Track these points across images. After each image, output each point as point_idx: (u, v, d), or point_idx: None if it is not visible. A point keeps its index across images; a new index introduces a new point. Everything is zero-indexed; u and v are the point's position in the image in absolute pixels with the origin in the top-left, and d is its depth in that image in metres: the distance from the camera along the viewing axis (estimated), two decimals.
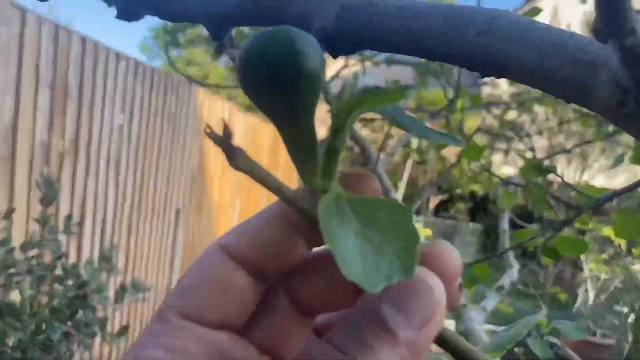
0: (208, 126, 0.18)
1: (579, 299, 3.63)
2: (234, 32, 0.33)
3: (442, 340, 0.19)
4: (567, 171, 5.21)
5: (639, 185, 0.65)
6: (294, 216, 0.20)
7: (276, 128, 0.20)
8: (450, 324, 1.46)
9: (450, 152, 2.66)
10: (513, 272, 1.35)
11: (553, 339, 3.72)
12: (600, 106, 0.17)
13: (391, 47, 0.21)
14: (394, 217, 0.17)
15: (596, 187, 0.75)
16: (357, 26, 0.21)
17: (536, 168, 0.75)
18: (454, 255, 0.19)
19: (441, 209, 8.43)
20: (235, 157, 0.18)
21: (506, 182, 0.96)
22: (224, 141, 0.18)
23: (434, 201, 8.22)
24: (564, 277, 4.76)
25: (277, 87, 0.18)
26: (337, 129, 0.18)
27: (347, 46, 0.22)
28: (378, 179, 1.51)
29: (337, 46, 0.22)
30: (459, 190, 7.72)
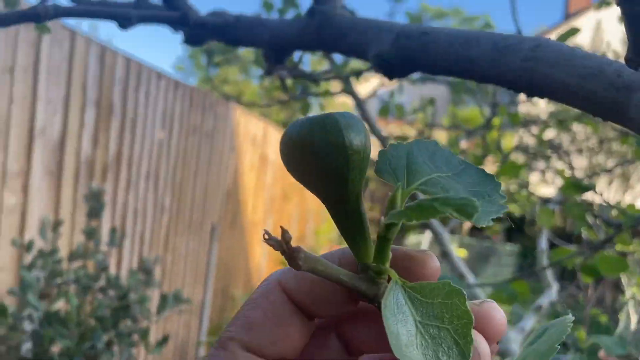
0: (266, 232, 0.19)
1: (621, 324, 3.51)
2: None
3: None
4: (608, 192, 5.08)
5: None
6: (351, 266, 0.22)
7: (327, 210, 0.21)
8: None
9: (487, 170, 2.64)
10: (552, 292, 1.33)
11: None
12: (634, 124, 0.19)
13: (443, 71, 0.23)
14: (449, 301, 0.19)
15: (636, 206, 0.75)
16: (411, 52, 0.24)
17: (576, 186, 0.75)
18: (499, 316, 0.21)
19: (476, 229, 8.29)
20: (296, 260, 0.20)
21: (545, 200, 0.96)
22: (284, 247, 0.20)
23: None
24: (604, 300, 4.62)
25: (326, 177, 0.20)
26: (391, 226, 0.20)
27: (403, 70, 0.24)
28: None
29: (393, 70, 0.25)
30: None
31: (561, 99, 0.21)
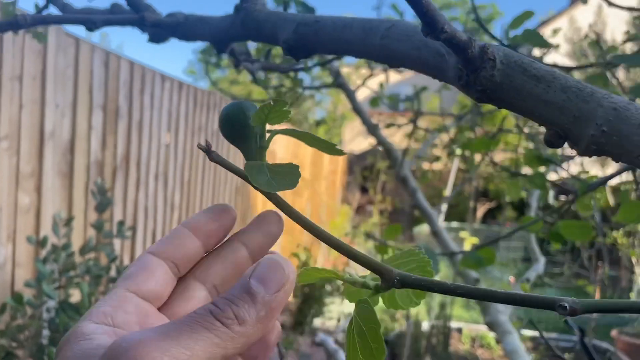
0: (199, 145, 0.30)
1: None
2: (237, 49, 0.42)
3: (351, 255, 0.28)
4: (592, 168, 5.08)
5: (624, 170, 0.70)
6: (198, 232, 0.32)
7: (240, 151, 0.32)
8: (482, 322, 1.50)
9: (497, 158, 2.69)
10: (539, 266, 1.39)
11: (606, 344, 3.62)
12: (452, 81, 0.25)
13: (331, 51, 0.30)
14: (289, 169, 0.30)
15: (593, 175, 0.81)
16: (307, 38, 0.30)
17: (537, 158, 0.81)
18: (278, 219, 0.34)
19: (489, 216, 8.33)
20: (210, 155, 0.31)
21: (513, 174, 1.02)
22: (204, 147, 0.31)
23: (481, 209, 8.13)
24: (620, 281, 4.70)
25: (239, 133, 0.32)
26: (261, 135, 0.32)
27: (303, 52, 0.31)
28: (403, 180, 1.54)
29: (297, 52, 0.31)
30: (508, 198, 7.61)
31: (407, 66, 0.27)
